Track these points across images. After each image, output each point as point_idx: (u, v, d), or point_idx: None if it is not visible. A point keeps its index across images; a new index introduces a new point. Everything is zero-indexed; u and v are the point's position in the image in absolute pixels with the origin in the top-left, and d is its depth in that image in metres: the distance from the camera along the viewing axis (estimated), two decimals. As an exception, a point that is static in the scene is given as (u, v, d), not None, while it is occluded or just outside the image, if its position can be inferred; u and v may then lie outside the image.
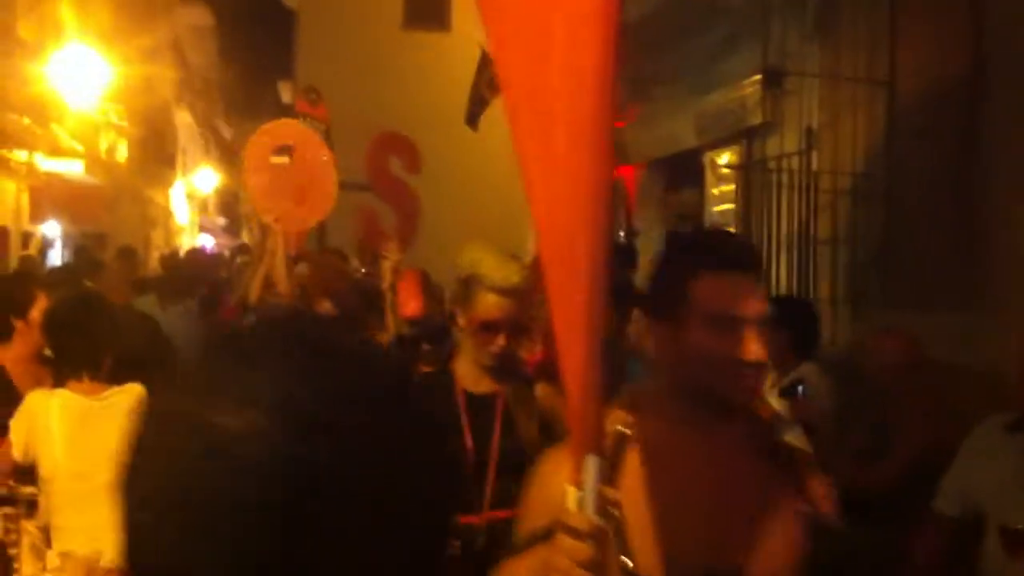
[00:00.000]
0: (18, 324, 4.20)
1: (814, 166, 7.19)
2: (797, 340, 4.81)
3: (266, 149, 6.52)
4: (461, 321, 3.12)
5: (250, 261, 8.06)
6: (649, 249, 9.52)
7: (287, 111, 27.16)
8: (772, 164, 7.55)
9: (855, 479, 4.21)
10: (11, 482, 3.66)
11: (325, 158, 6.65)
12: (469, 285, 3.06)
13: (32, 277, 4.43)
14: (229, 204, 41.28)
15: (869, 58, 6.97)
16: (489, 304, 3.03)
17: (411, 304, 5.66)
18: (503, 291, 3.02)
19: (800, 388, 4.44)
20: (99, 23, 14.31)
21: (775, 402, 4.55)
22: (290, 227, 6.46)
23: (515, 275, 3.04)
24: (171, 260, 14.56)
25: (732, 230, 8.70)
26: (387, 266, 5.43)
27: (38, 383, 4.09)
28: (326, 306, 5.21)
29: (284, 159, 6.47)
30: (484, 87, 14.01)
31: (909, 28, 6.79)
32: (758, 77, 7.88)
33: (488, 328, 3.04)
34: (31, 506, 3.53)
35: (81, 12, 13.78)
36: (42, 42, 12.90)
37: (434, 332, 5.73)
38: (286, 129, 7.07)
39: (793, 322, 4.80)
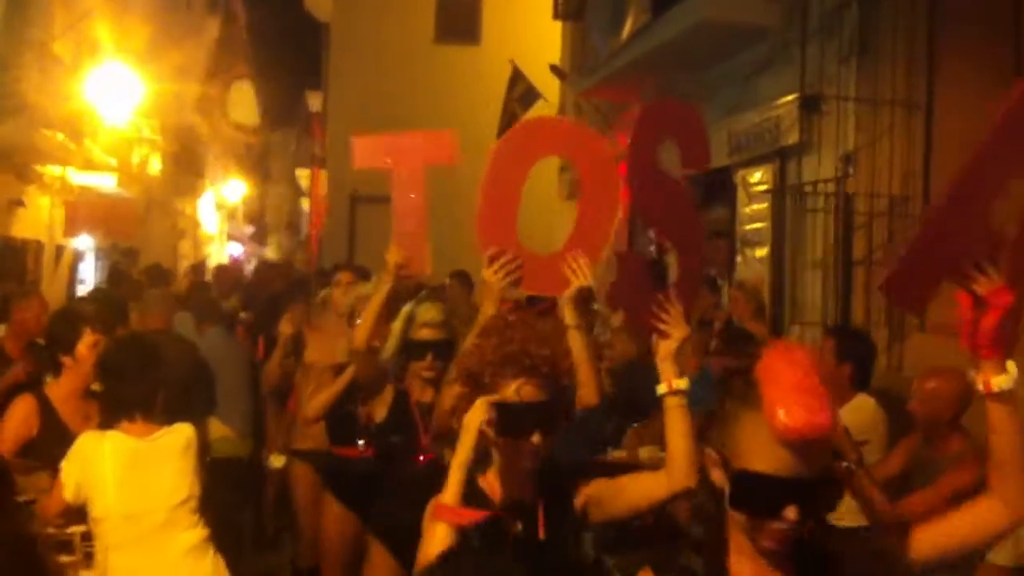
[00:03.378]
0: (66, 360, 4.24)
1: (850, 188, 7.16)
2: (856, 373, 4.85)
3: (527, 154, 3.64)
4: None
5: (330, 294, 6.82)
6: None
7: (316, 120, 27.32)
8: (808, 187, 7.52)
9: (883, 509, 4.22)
10: (60, 521, 3.71)
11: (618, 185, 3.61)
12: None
13: (79, 314, 4.45)
14: (256, 213, 41.56)
15: (907, 81, 6.93)
16: None
17: None
18: None
19: None
20: (134, 41, 14.46)
21: None
22: (530, 286, 3.58)
23: None
24: (199, 275, 14.61)
25: (764, 250, 8.68)
26: (668, 351, 2.88)
27: (86, 418, 4.13)
28: None
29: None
30: (515, 102, 14.06)
31: (948, 50, 6.75)
32: (792, 97, 7.85)
33: None
34: (88, 556, 3.56)
35: (117, 31, 13.92)
36: (78, 61, 13.04)
37: None
38: (564, 132, 3.89)
39: (855, 355, 4.91)
